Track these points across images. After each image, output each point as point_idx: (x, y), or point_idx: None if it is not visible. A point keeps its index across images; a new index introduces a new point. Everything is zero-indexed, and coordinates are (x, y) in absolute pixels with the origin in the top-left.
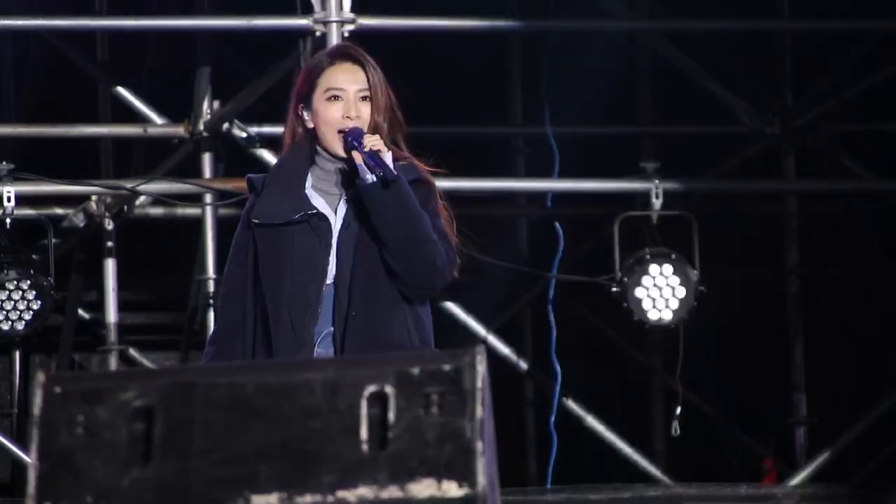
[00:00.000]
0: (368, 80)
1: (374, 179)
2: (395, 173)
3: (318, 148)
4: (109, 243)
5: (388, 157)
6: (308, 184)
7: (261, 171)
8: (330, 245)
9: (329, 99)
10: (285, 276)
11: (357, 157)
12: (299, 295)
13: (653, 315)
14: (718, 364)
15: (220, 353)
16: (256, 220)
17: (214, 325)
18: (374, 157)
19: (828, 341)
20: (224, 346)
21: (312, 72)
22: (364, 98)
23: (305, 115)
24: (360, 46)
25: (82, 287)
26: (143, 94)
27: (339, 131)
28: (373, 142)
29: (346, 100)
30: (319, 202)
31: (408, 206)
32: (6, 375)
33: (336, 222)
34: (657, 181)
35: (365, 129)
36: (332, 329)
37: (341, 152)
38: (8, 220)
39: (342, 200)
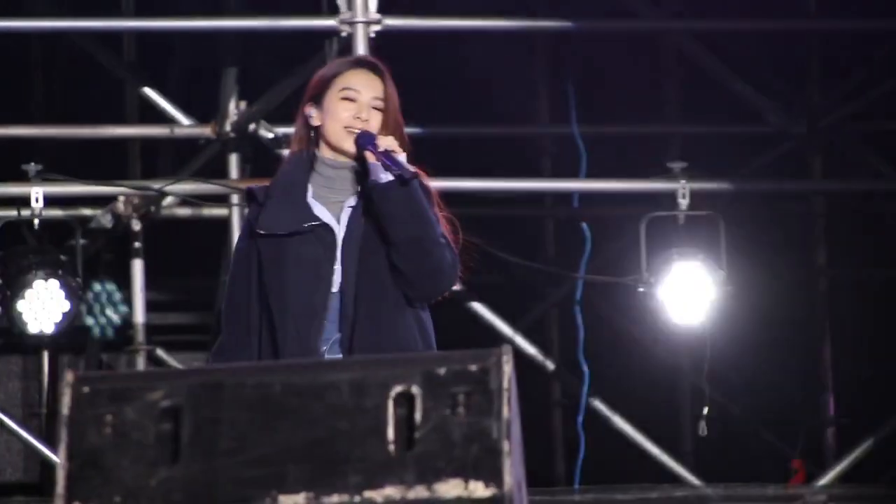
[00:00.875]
0: (385, 92)
1: (390, 178)
2: (413, 172)
3: (319, 153)
4: (137, 244)
5: (402, 158)
6: (309, 193)
7: None
8: (334, 254)
9: (343, 98)
10: (290, 287)
11: (370, 156)
12: (305, 305)
13: (680, 315)
14: (746, 364)
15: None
16: (261, 231)
17: (220, 337)
18: (389, 157)
19: (856, 341)
20: (228, 358)
21: (329, 73)
22: (376, 108)
23: (313, 111)
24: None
25: None
26: (170, 95)
27: (349, 130)
28: (387, 142)
29: (359, 102)
30: (322, 211)
31: (421, 207)
32: (35, 375)
33: (339, 231)
34: (684, 181)
35: (375, 134)
36: (340, 335)
37: (349, 147)
38: (36, 221)
39: (345, 206)
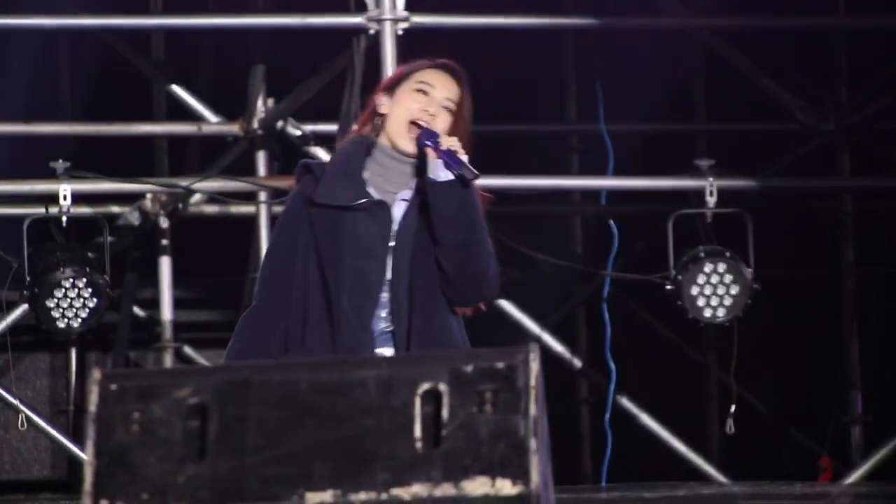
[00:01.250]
0: (459, 96)
1: (450, 177)
2: (475, 173)
3: (381, 142)
4: (164, 241)
5: (464, 158)
6: (365, 175)
7: None
8: (388, 234)
9: (416, 90)
10: (345, 260)
11: (431, 153)
12: (361, 283)
13: (707, 313)
14: (773, 362)
15: (258, 327)
16: (318, 201)
17: (254, 301)
18: (452, 157)
19: (883, 339)
20: (261, 324)
21: (409, 68)
22: (446, 108)
23: (384, 100)
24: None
25: (137, 284)
26: (197, 93)
27: (412, 122)
28: (451, 142)
29: (430, 97)
30: (376, 193)
31: (475, 211)
32: (62, 373)
33: (395, 217)
34: (711, 179)
35: (438, 132)
36: (391, 327)
37: (405, 145)
38: (64, 218)
39: (397, 199)
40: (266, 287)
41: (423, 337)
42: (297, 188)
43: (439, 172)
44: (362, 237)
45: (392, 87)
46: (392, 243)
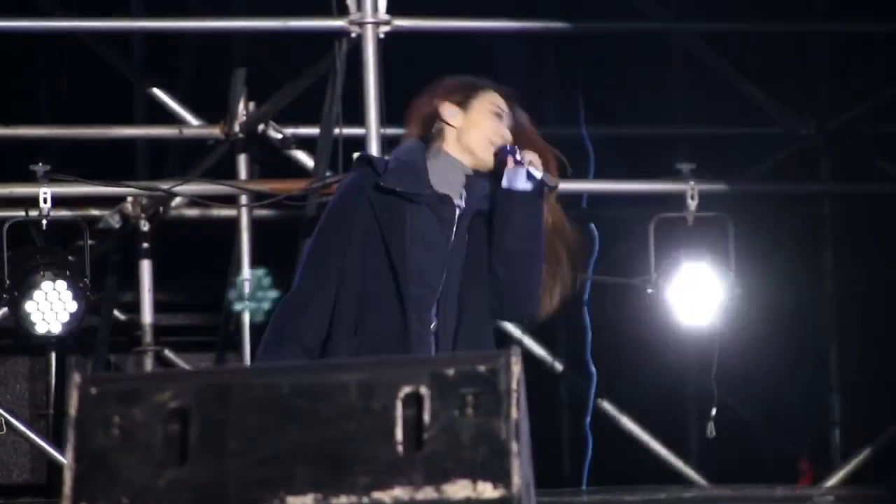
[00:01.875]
0: (511, 122)
1: (529, 188)
2: (555, 184)
3: (444, 147)
4: (145, 244)
5: (540, 174)
6: (429, 174)
7: (295, 171)
8: (451, 233)
9: (495, 114)
10: (408, 248)
11: (511, 163)
12: (421, 271)
13: (688, 316)
14: (753, 365)
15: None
16: (385, 186)
17: (298, 286)
18: (531, 168)
19: (863, 342)
20: (308, 307)
21: (473, 84)
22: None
23: (455, 111)
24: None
25: (118, 288)
26: (178, 96)
27: (493, 143)
28: (531, 157)
29: (503, 122)
30: (443, 189)
31: (540, 224)
32: (42, 376)
33: (457, 210)
34: (692, 182)
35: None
36: (437, 324)
37: (488, 158)
38: (44, 222)
39: (455, 206)
40: (312, 272)
41: (470, 344)
42: (354, 177)
43: (517, 181)
44: (425, 229)
45: (463, 100)
46: (451, 242)
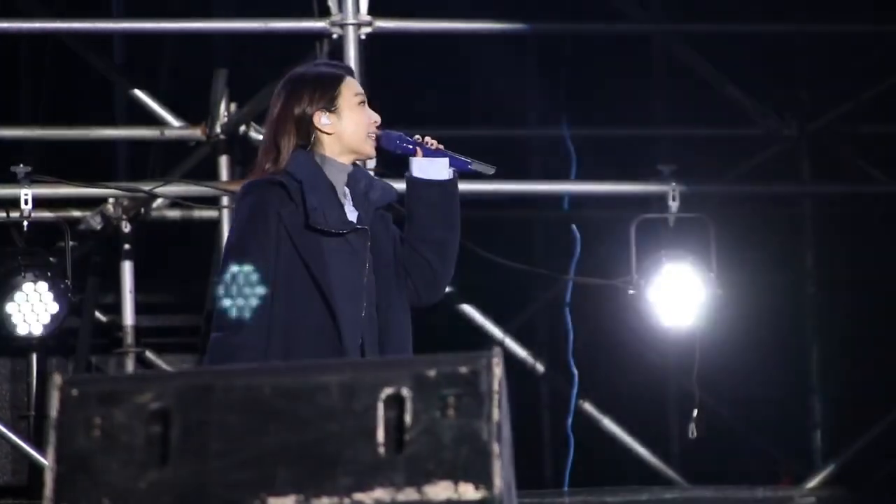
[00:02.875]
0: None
1: (452, 173)
2: (472, 161)
3: (327, 155)
4: (126, 246)
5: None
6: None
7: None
8: (366, 256)
9: (361, 104)
10: (336, 290)
11: (419, 153)
12: (351, 304)
13: (669, 318)
14: (734, 366)
15: (250, 346)
16: (315, 227)
17: (238, 320)
18: (445, 153)
19: (844, 344)
20: (255, 340)
21: (331, 80)
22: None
23: (325, 119)
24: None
25: (99, 289)
26: (159, 97)
27: (370, 135)
28: (430, 140)
29: (366, 106)
30: (353, 215)
31: (457, 209)
32: (23, 378)
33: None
34: (674, 183)
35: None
36: (360, 341)
37: (370, 151)
38: (25, 223)
39: (345, 208)
40: (257, 311)
41: (395, 344)
42: (262, 197)
43: (431, 171)
44: (344, 268)
45: (329, 103)
46: (366, 267)
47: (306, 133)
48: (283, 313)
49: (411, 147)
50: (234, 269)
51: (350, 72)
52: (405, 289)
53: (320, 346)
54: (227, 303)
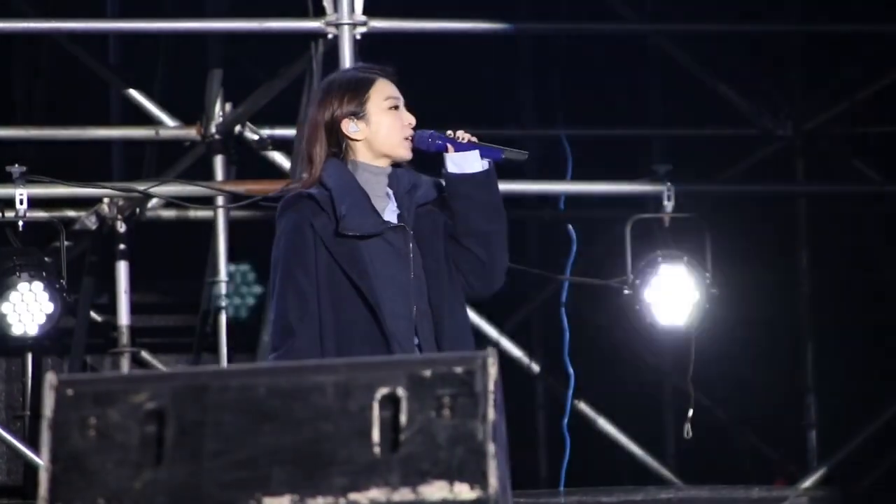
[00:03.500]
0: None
1: (485, 166)
2: (524, 152)
3: (360, 161)
4: (121, 246)
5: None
6: (372, 201)
7: (271, 172)
8: (409, 255)
9: (391, 108)
10: (376, 286)
11: (451, 149)
12: (397, 308)
13: (664, 318)
14: (729, 366)
15: (302, 353)
16: (347, 233)
17: (287, 339)
18: (482, 146)
19: (839, 344)
20: (307, 352)
21: (360, 85)
22: (409, 111)
23: (355, 125)
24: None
25: (94, 289)
26: (154, 97)
27: (404, 138)
28: (462, 133)
29: (402, 108)
30: (391, 217)
31: (500, 199)
32: (18, 377)
33: (410, 234)
34: (669, 183)
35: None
36: (417, 340)
37: (407, 154)
38: (20, 223)
39: (388, 211)
40: (298, 324)
41: (451, 338)
42: (296, 212)
43: (465, 165)
44: (385, 266)
45: (358, 109)
46: (412, 265)
47: (337, 141)
48: (332, 320)
49: (442, 143)
50: (280, 286)
51: (386, 73)
52: (459, 283)
53: (369, 347)
54: (277, 320)
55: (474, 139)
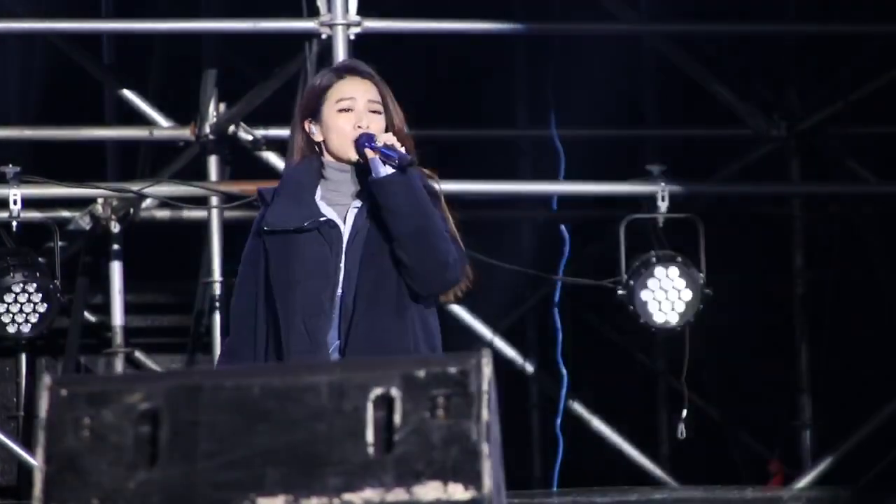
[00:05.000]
0: (378, 93)
1: (390, 171)
2: (411, 157)
3: (326, 160)
4: (115, 246)
5: (402, 150)
6: (317, 195)
7: (266, 173)
8: (340, 252)
9: (340, 110)
10: (298, 283)
11: (370, 153)
12: (313, 302)
13: (658, 318)
14: (724, 367)
15: (231, 364)
16: (267, 228)
17: (227, 336)
18: (388, 149)
19: (833, 344)
20: (237, 360)
21: (321, 86)
22: (373, 111)
23: (314, 128)
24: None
25: (88, 290)
26: (149, 97)
27: (351, 140)
28: (386, 138)
29: (356, 110)
30: (329, 211)
31: (421, 199)
32: (12, 378)
33: (345, 230)
34: (663, 184)
35: (374, 133)
36: (339, 341)
37: (354, 156)
38: (14, 223)
39: (350, 208)
40: (235, 323)
41: (361, 346)
42: (257, 216)
43: (379, 169)
44: (314, 257)
45: (314, 112)
46: (342, 260)
47: (309, 141)
48: (265, 312)
49: (361, 147)
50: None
51: (350, 71)
52: (402, 283)
53: (277, 341)
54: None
55: (390, 143)
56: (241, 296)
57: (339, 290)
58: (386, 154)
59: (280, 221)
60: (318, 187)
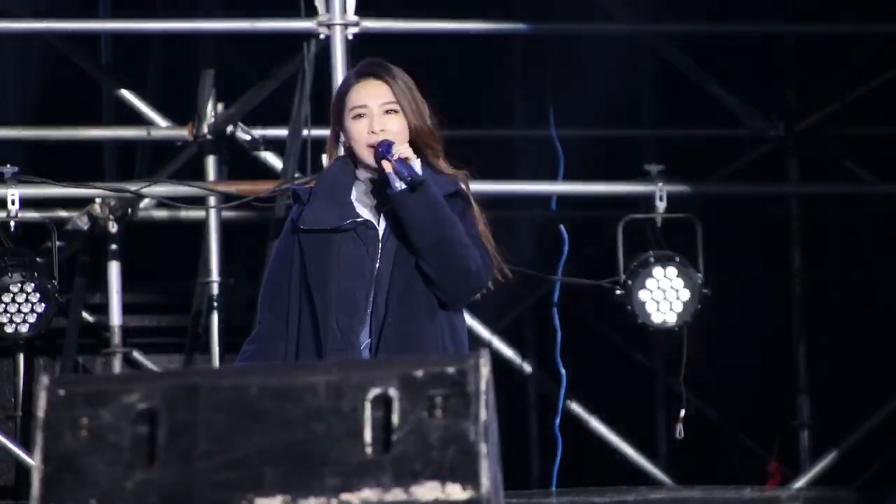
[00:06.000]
0: (393, 94)
1: (403, 186)
2: (420, 175)
3: (358, 167)
4: (113, 246)
5: (416, 164)
6: (353, 195)
7: (264, 173)
8: (376, 253)
9: (355, 117)
10: (333, 282)
11: (386, 165)
12: (348, 301)
13: (656, 318)
14: (722, 367)
15: (261, 352)
16: (304, 227)
17: (256, 326)
18: (401, 163)
19: (831, 344)
20: (266, 346)
21: (340, 92)
22: (388, 111)
23: (342, 136)
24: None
25: (86, 290)
26: (146, 97)
27: (369, 146)
28: (401, 149)
29: (369, 116)
30: (364, 212)
31: (437, 210)
32: (10, 378)
33: (380, 231)
34: (661, 184)
35: (394, 142)
36: (370, 340)
37: (373, 164)
38: (12, 223)
39: (383, 210)
40: (264, 311)
41: (392, 347)
42: (289, 216)
43: (395, 184)
44: (350, 256)
45: (338, 119)
46: (378, 262)
47: (347, 149)
48: (297, 309)
49: (386, 158)
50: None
51: (363, 75)
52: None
53: (314, 338)
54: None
55: (405, 156)
56: (272, 285)
57: (373, 291)
58: (401, 170)
59: (317, 220)
60: (353, 188)
